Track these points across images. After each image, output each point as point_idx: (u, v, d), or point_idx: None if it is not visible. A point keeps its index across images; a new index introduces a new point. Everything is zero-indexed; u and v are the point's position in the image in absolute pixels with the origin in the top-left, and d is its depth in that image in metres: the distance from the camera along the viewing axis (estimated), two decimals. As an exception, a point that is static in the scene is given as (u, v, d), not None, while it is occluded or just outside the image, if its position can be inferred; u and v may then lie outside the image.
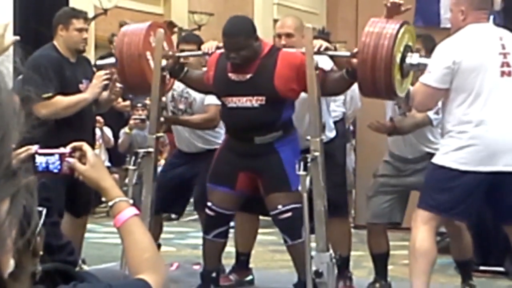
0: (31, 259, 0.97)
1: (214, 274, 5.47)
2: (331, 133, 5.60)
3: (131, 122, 9.11)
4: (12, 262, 0.91)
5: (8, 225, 0.88)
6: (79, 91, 5.55)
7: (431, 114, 5.35)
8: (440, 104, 4.94)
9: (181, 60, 5.52)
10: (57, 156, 2.00)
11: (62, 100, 5.33)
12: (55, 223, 5.34)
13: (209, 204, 5.30)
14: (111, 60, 5.70)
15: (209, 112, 5.95)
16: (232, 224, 5.60)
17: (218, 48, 5.33)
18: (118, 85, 5.71)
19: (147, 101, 8.17)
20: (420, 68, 4.93)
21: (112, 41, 9.28)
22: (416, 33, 5.36)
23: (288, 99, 5.13)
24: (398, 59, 4.85)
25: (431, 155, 4.95)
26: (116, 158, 9.61)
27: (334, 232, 5.08)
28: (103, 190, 2.03)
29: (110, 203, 2.00)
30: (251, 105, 5.08)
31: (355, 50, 4.94)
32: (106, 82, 5.59)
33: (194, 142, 6.09)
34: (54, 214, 5.31)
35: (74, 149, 2.04)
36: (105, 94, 5.70)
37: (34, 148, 1.94)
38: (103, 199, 2.06)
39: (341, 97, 6.35)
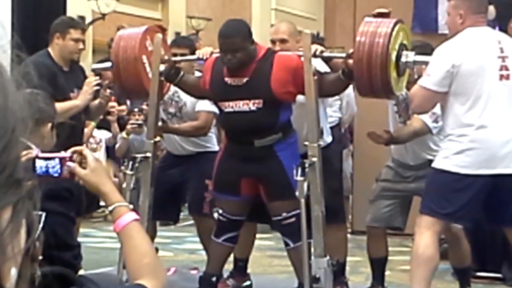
0: (30, 265, 0.96)
1: (214, 279, 5.48)
2: (328, 138, 5.60)
3: (128, 127, 9.09)
4: (14, 272, 0.90)
5: (9, 233, 0.87)
6: (69, 100, 5.55)
7: (429, 122, 5.35)
8: (439, 112, 4.95)
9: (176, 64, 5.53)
10: (57, 160, 2.00)
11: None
12: (71, 218, 5.27)
13: (220, 211, 5.38)
14: (107, 64, 5.71)
15: (199, 119, 5.94)
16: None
17: (212, 53, 5.35)
18: (108, 90, 5.72)
19: (144, 106, 8.17)
20: (416, 66, 4.96)
21: (111, 45, 9.27)
22: (413, 43, 5.36)
23: (285, 102, 5.14)
24: (393, 57, 4.87)
25: (432, 162, 4.95)
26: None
27: (330, 238, 5.08)
28: (103, 195, 2.03)
29: (110, 208, 2.00)
30: (248, 109, 5.09)
31: (351, 50, 4.95)
32: (96, 88, 5.60)
33: (184, 145, 6.09)
34: (72, 210, 5.26)
35: (75, 153, 2.04)
36: (95, 101, 5.71)
37: (35, 152, 1.93)
38: (102, 204, 2.06)
39: (337, 102, 6.36)
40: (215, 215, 5.65)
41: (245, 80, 5.09)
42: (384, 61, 4.79)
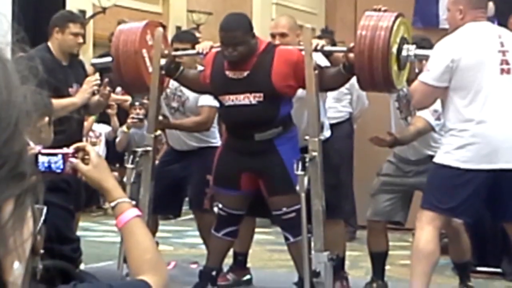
0: (31, 258, 0.96)
1: (214, 273, 5.49)
2: (327, 133, 5.60)
3: (129, 121, 9.10)
4: (17, 266, 0.90)
5: (12, 226, 0.87)
6: (68, 95, 5.54)
7: (432, 121, 5.35)
8: (441, 109, 4.94)
9: (177, 59, 5.53)
10: (60, 156, 2.00)
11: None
12: (70, 211, 5.27)
13: (220, 205, 5.39)
14: (107, 59, 5.70)
15: (202, 114, 5.94)
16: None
17: (212, 48, 5.35)
18: (108, 88, 5.72)
19: (145, 100, 8.16)
20: (417, 60, 4.96)
21: (111, 40, 9.26)
22: (412, 38, 5.35)
23: (285, 95, 5.14)
24: (394, 50, 4.87)
25: (433, 157, 4.95)
26: (113, 156, 9.59)
27: (328, 233, 5.08)
28: (106, 191, 2.03)
29: (112, 204, 2.00)
30: (249, 102, 5.09)
31: (352, 44, 4.95)
32: (95, 87, 5.59)
33: (186, 141, 6.09)
34: (71, 203, 5.25)
35: (77, 149, 2.04)
36: (95, 97, 5.71)
37: (37, 147, 1.94)
38: (101, 200, 2.06)
39: (347, 97, 6.33)
40: (215, 209, 5.65)
41: (245, 73, 5.09)
42: (385, 54, 4.80)
